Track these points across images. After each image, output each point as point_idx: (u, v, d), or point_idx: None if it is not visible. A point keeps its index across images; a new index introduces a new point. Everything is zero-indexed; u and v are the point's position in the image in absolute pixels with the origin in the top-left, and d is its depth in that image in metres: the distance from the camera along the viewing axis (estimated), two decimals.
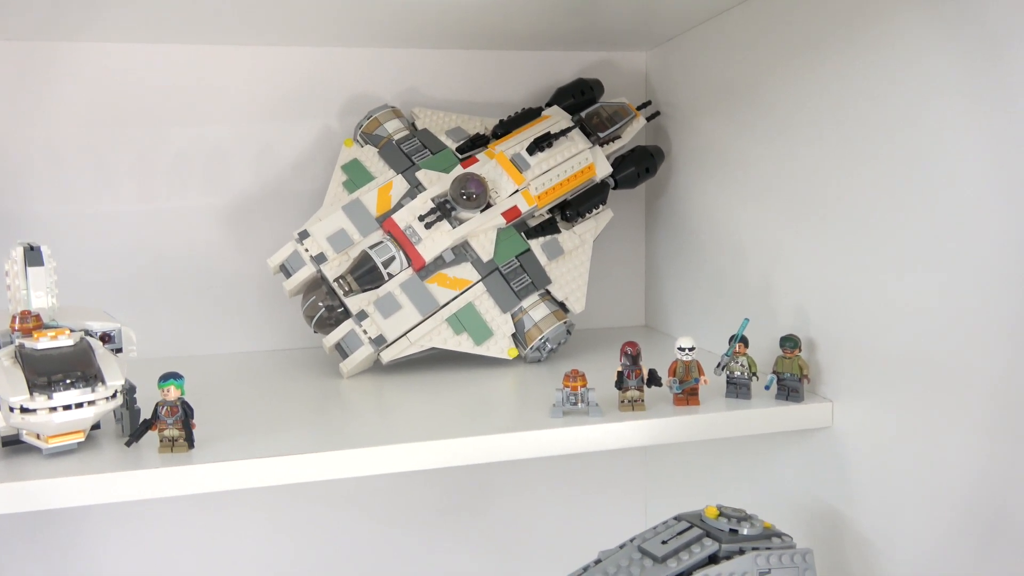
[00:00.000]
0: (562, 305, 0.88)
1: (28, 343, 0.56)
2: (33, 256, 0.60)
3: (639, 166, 0.94)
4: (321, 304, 0.83)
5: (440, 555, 1.04)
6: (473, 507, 1.05)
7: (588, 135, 0.91)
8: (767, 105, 0.77)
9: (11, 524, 0.93)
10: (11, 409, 0.52)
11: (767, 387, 0.69)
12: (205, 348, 0.95)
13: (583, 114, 0.93)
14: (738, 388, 0.70)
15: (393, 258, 0.82)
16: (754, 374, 0.70)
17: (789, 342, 0.68)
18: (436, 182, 0.85)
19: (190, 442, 0.58)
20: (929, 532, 0.59)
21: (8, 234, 0.89)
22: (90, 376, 0.54)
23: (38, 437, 0.56)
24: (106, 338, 0.62)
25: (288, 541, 1.00)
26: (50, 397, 0.52)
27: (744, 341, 0.69)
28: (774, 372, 0.69)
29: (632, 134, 0.95)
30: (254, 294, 0.96)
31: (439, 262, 0.84)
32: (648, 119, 0.97)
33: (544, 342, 0.85)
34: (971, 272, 0.54)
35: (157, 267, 0.93)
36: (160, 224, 0.93)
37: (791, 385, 0.69)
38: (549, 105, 0.93)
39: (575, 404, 0.66)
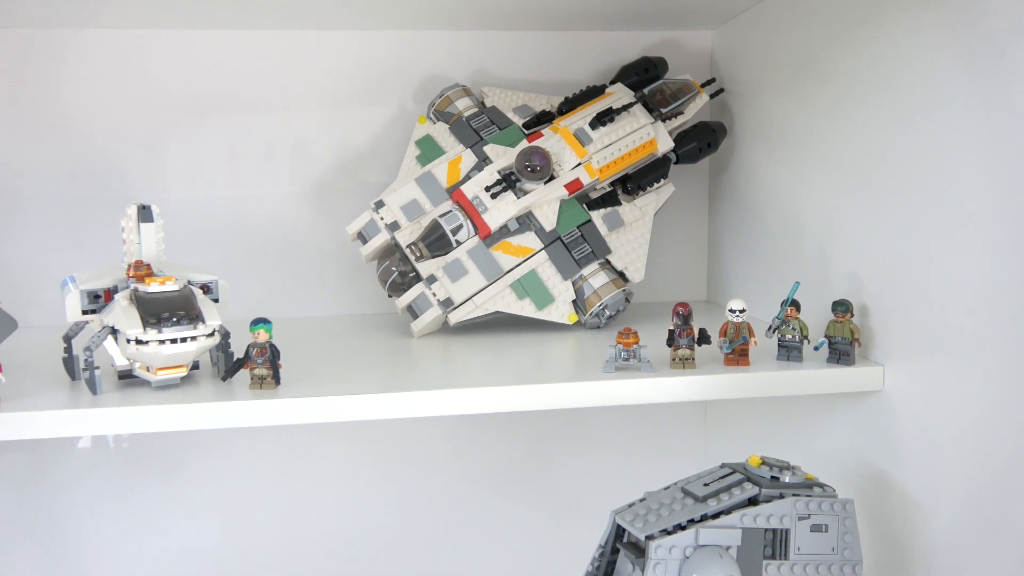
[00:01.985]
0: (621, 274, 0.92)
1: (141, 287, 0.64)
2: (145, 214, 0.68)
3: (701, 141, 0.96)
4: (394, 269, 0.89)
5: (502, 506, 1.10)
6: (532, 464, 1.10)
7: (651, 111, 0.94)
8: (827, 79, 0.78)
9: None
10: (128, 341, 0.60)
11: (816, 348, 0.71)
12: (288, 313, 1.03)
13: (646, 91, 0.96)
14: (789, 351, 0.72)
15: (461, 226, 0.87)
16: (806, 337, 0.71)
17: (841, 306, 0.70)
18: (502, 155, 0.89)
19: (276, 379, 0.65)
20: (976, 494, 0.60)
21: (111, 217, 0.98)
22: (193, 316, 0.61)
23: (148, 370, 0.64)
24: (205, 288, 0.69)
25: (354, 490, 1.07)
26: (160, 331, 0.60)
27: (796, 306, 0.71)
28: (826, 336, 0.71)
29: (695, 110, 0.97)
30: (333, 265, 1.04)
31: (504, 231, 0.88)
32: (712, 96, 0.99)
33: (603, 308, 0.89)
34: (1018, 241, 0.55)
35: (247, 242, 1.01)
36: (249, 204, 1.01)
37: (842, 349, 0.70)
38: (613, 83, 0.97)
39: (627, 360, 0.69)
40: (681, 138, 0.96)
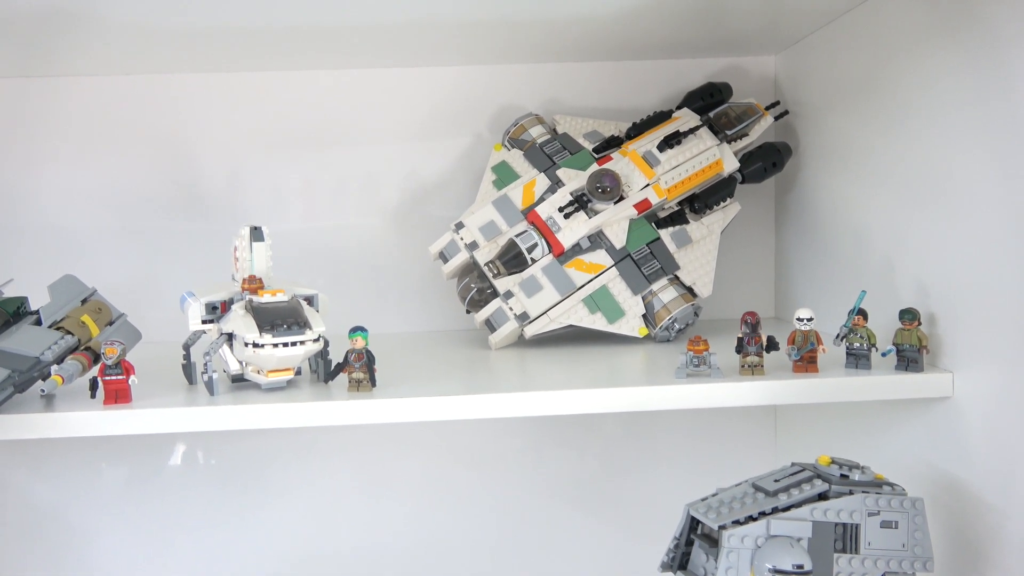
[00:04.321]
0: (690, 289, 0.95)
1: (255, 299, 0.71)
2: (257, 234, 0.76)
3: (766, 161, 0.99)
4: (473, 285, 0.95)
5: (575, 516, 1.13)
6: (604, 475, 1.13)
7: (716, 133, 0.98)
8: (889, 97, 0.81)
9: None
10: (244, 345, 0.68)
11: (884, 354, 0.73)
12: (372, 330, 1.10)
13: (712, 114, 1.00)
14: (858, 359, 0.74)
15: (536, 245, 0.93)
16: (874, 345, 0.74)
17: (908, 314, 0.72)
18: (574, 178, 0.95)
19: (373, 382, 0.71)
20: None
21: (194, 247, 1.08)
22: (301, 323, 0.69)
23: (259, 373, 0.72)
24: (308, 301, 0.77)
25: (435, 496, 1.12)
26: (274, 336, 0.67)
27: (863, 314, 0.74)
28: (893, 344, 0.73)
29: (759, 132, 1.01)
30: (411, 286, 1.10)
31: (576, 249, 0.93)
32: (776, 118, 1.03)
33: (672, 322, 0.92)
34: None
35: (328, 265, 1.09)
36: (336, 232, 1.09)
37: (910, 356, 0.72)
38: (680, 108, 1.01)
39: (698, 366, 0.73)
40: (747, 158, 0.99)
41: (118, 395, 0.69)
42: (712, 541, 0.59)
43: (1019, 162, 0.63)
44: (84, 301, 0.79)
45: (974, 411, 0.69)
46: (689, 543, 0.62)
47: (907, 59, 0.78)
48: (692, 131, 0.96)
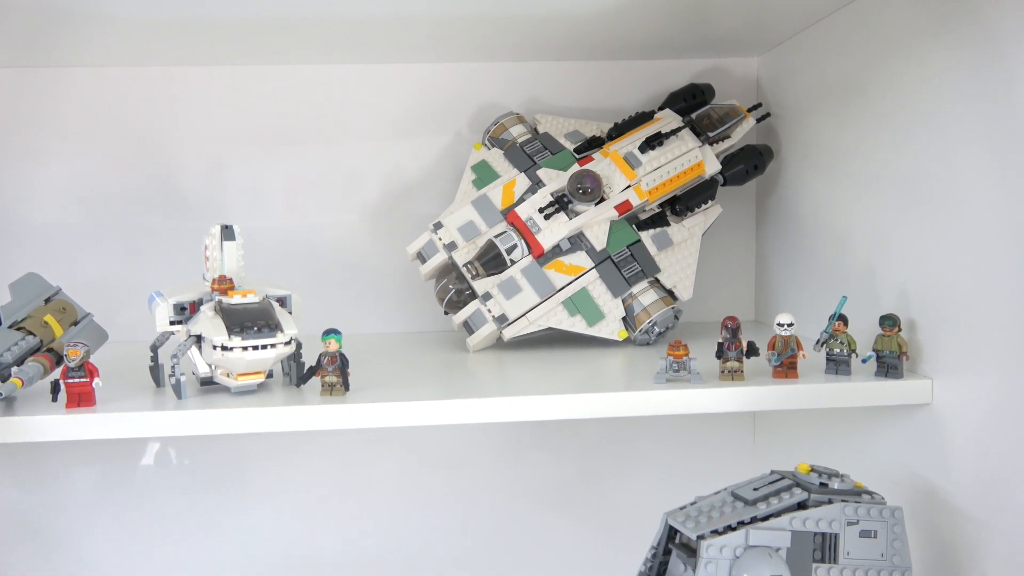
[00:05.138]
0: (670, 292, 0.94)
1: (225, 299, 0.69)
2: (228, 232, 0.74)
3: (747, 163, 0.99)
4: (451, 287, 0.93)
5: (553, 519, 1.12)
6: (582, 479, 1.12)
7: (698, 135, 0.97)
8: (872, 101, 0.81)
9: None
10: (213, 348, 0.66)
11: (864, 361, 0.72)
12: (347, 330, 1.08)
13: (694, 116, 0.99)
14: (838, 365, 0.74)
15: (515, 246, 0.91)
16: (854, 351, 0.73)
17: (888, 320, 0.71)
18: (555, 179, 0.94)
19: (346, 386, 0.69)
20: None
21: (169, 244, 1.05)
22: (272, 325, 0.67)
23: (228, 376, 0.70)
24: (280, 302, 0.75)
25: (405, 504, 1.11)
26: (243, 338, 0.65)
27: (844, 320, 0.73)
28: (873, 350, 0.73)
29: (741, 134, 1.00)
30: (388, 286, 1.09)
31: (556, 250, 0.92)
32: (758, 120, 1.02)
33: (652, 325, 0.91)
34: None
35: (306, 262, 1.07)
36: (310, 230, 1.07)
37: (890, 362, 0.72)
38: (662, 109, 1.00)
39: (678, 371, 0.72)
40: (728, 161, 0.99)
41: (81, 399, 0.67)
42: (690, 550, 0.59)
43: (1003, 169, 0.63)
44: (48, 300, 0.76)
45: (954, 418, 0.69)
46: (667, 552, 0.61)
47: (890, 63, 0.77)
48: (674, 132, 0.95)
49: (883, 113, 0.79)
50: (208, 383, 0.73)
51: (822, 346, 0.74)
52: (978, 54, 0.65)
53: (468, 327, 0.92)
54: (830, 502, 0.59)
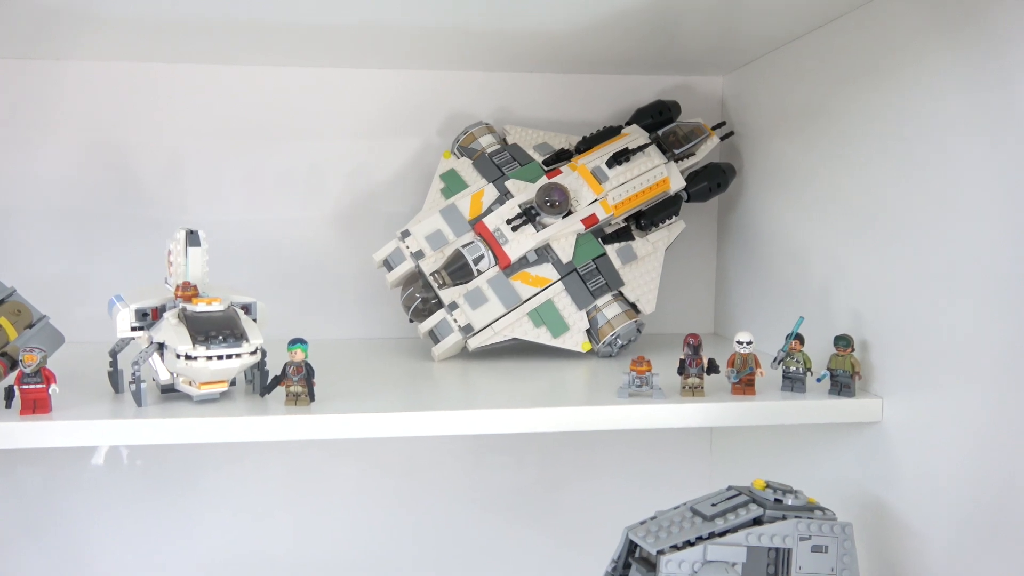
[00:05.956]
0: (634, 306, 0.96)
1: (189, 307, 0.68)
2: (193, 238, 0.73)
3: (711, 181, 1.01)
4: (418, 295, 0.94)
5: (513, 529, 1.13)
6: (543, 489, 1.13)
7: (664, 152, 0.99)
8: (833, 125, 0.83)
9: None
10: (176, 356, 0.65)
11: (819, 380, 0.75)
12: (310, 335, 1.07)
13: (660, 132, 1.01)
14: (793, 382, 0.76)
15: (482, 256, 0.92)
16: (809, 370, 0.75)
17: (842, 341, 0.74)
18: (523, 190, 0.95)
19: (311, 396, 0.69)
20: (969, 522, 0.64)
21: (134, 235, 1.03)
22: (238, 334, 0.66)
23: (191, 384, 0.69)
24: (245, 309, 0.74)
25: (366, 511, 1.11)
26: (208, 348, 0.64)
27: (800, 339, 0.76)
28: (828, 369, 0.75)
29: (706, 152, 1.02)
30: (354, 290, 1.08)
31: (523, 262, 0.93)
32: (722, 138, 1.04)
33: (616, 338, 0.93)
34: (1010, 281, 0.59)
35: (274, 266, 1.06)
36: (275, 231, 1.06)
37: (843, 381, 0.74)
38: (629, 124, 1.02)
39: (640, 387, 0.73)
40: (692, 178, 1.01)
41: (36, 405, 0.65)
42: (650, 565, 0.60)
43: (952, 197, 0.66)
44: (2, 302, 0.74)
45: (901, 436, 0.72)
46: (627, 566, 0.62)
47: (848, 90, 0.80)
48: (641, 148, 0.97)
49: (841, 137, 0.82)
50: (169, 390, 0.72)
51: (779, 364, 0.76)
52: (931, 86, 0.68)
53: (434, 336, 0.93)
54: (784, 518, 0.61)
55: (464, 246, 0.92)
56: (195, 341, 0.65)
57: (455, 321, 0.91)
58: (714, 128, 1.03)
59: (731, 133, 1.06)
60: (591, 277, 0.94)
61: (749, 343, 0.74)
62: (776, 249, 0.96)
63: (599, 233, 0.96)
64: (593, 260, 0.94)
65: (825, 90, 0.84)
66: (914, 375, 0.70)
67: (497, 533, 1.13)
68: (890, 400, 0.73)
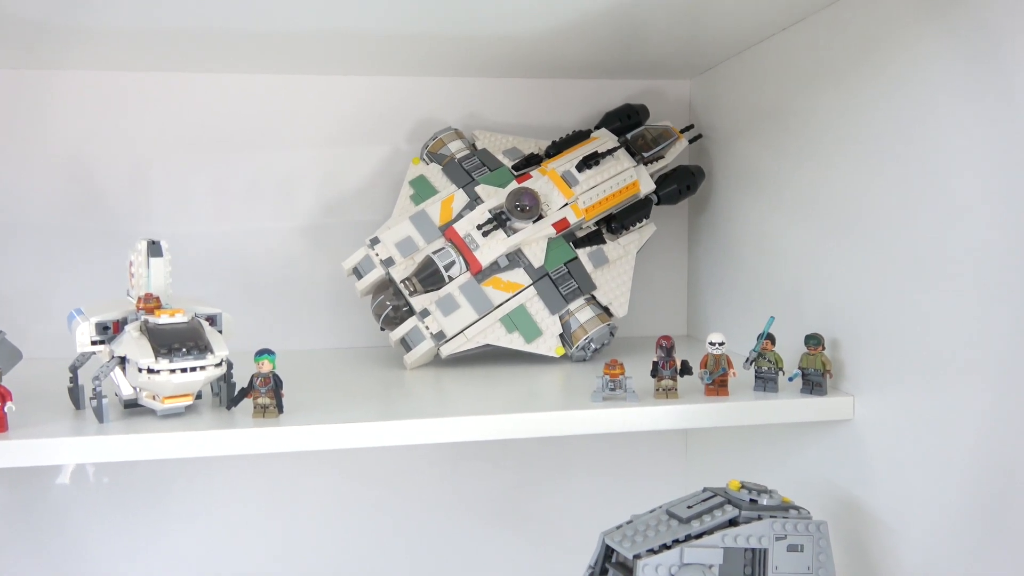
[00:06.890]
0: (606, 309, 0.96)
1: (151, 319, 0.67)
2: (155, 248, 0.71)
3: (680, 184, 1.01)
4: (388, 303, 0.92)
5: (490, 534, 1.12)
6: (519, 493, 1.12)
7: (633, 155, 0.99)
8: (799, 126, 0.84)
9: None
10: (139, 370, 0.63)
11: (791, 379, 0.75)
12: (280, 345, 1.06)
13: (629, 136, 1.01)
14: (765, 382, 0.76)
15: (453, 263, 0.91)
16: (780, 369, 0.76)
17: (813, 340, 0.74)
18: (493, 195, 0.94)
19: (280, 408, 0.68)
20: (942, 517, 0.64)
21: (96, 248, 1.01)
22: (202, 346, 0.64)
23: (154, 399, 0.67)
24: (210, 320, 0.72)
25: (343, 520, 1.09)
26: (171, 361, 0.62)
27: (771, 339, 0.76)
28: (799, 368, 0.76)
29: (675, 155, 1.03)
30: (324, 299, 1.07)
31: (494, 267, 0.92)
32: (690, 141, 1.05)
33: (589, 342, 0.93)
34: (978, 280, 0.60)
35: (241, 276, 1.05)
36: (241, 240, 1.04)
37: (815, 380, 0.75)
38: (598, 128, 1.02)
39: (614, 390, 0.73)
40: (662, 181, 1.01)
41: None
42: (627, 569, 0.59)
43: (919, 197, 0.66)
44: None
45: (872, 434, 0.72)
46: (604, 572, 0.62)
47: (814, 91, 0.81)
48: (610, 152, 0.97)
49: (808, 139, 0.82)
50: (132, 405, 0.70)
51: (751, 364, 0.76)
52: (898, 85, 0.68)
53: (405, 344, 0.91)
54: (760, 518, 0.61)
55: (435, 252, 0.91)
56: (158, 354, 0.63)
57: (427, 328, 0.90)
58: (683, 131, 1.04)
59: (699, 136, 1.07)
60: (563, 281, 0.93)
61: (721, 344, 0.74)
62: (746, 250, 0.97)
63: (570, 237, 0.96)
64: (565, 264, 0.94)
65: (791, 91, 0.85)
66: (885, 372, 0.70)
67: (475, 539, 1.12)
68: (861, 398, 0.74)
